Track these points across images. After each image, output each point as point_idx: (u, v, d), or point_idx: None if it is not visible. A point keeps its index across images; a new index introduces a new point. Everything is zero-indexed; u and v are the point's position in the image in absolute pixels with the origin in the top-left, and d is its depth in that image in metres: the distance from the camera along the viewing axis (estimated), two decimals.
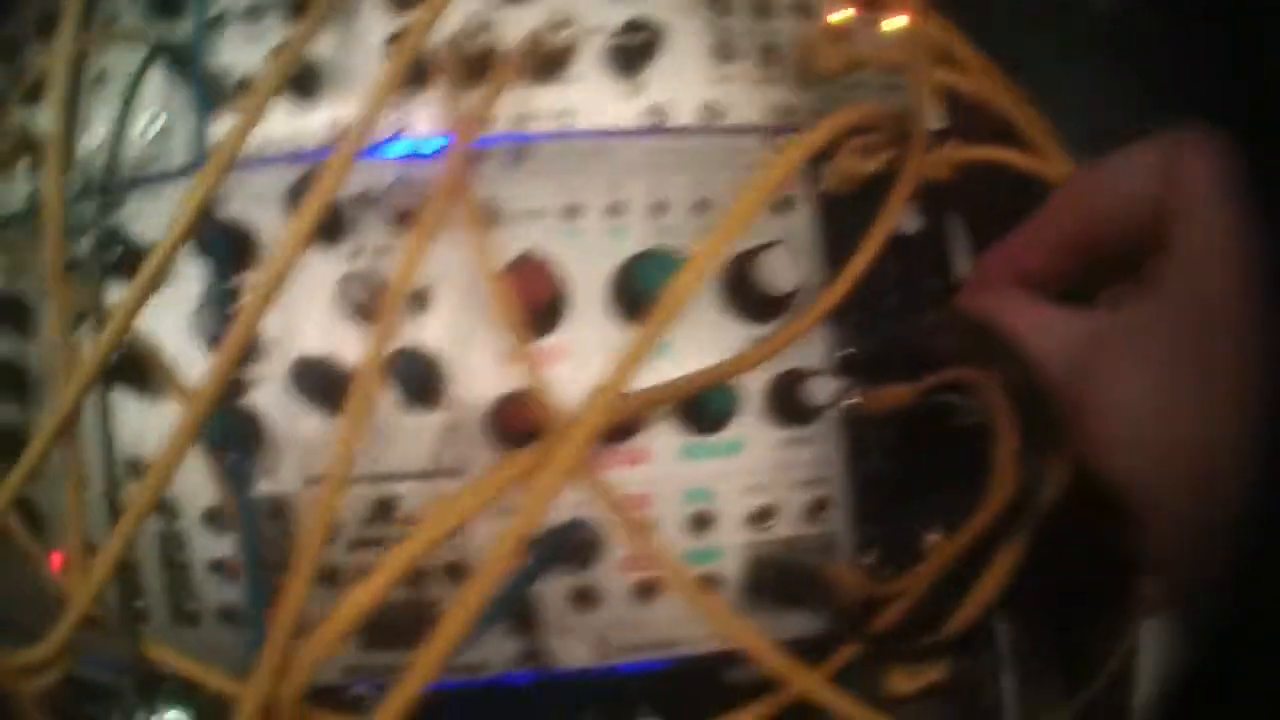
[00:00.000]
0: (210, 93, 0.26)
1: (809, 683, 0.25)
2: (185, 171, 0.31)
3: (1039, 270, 0.26)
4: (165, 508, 0.30)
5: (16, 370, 0.33)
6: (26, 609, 0.36)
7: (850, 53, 0.30)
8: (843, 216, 0.31)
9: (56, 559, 0.34)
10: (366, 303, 0.28)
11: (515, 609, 0.28)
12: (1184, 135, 0.22)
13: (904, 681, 0.29)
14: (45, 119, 0.34)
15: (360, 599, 0.21)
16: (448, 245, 0.29)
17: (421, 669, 0.21)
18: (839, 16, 0.30)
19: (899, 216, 0.30)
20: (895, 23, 0.32)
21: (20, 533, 0.30)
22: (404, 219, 0.29)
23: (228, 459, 0.27)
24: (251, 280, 0.28)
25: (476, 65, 0.28)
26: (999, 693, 0.33)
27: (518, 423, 0.27)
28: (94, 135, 0.32)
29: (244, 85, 0.31)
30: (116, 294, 0.29)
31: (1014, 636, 0.33)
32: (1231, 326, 0.19)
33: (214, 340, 0.28)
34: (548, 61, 0.28)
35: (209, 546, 0.30)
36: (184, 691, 0.32)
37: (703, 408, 0.27)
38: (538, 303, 0.27)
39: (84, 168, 0.33)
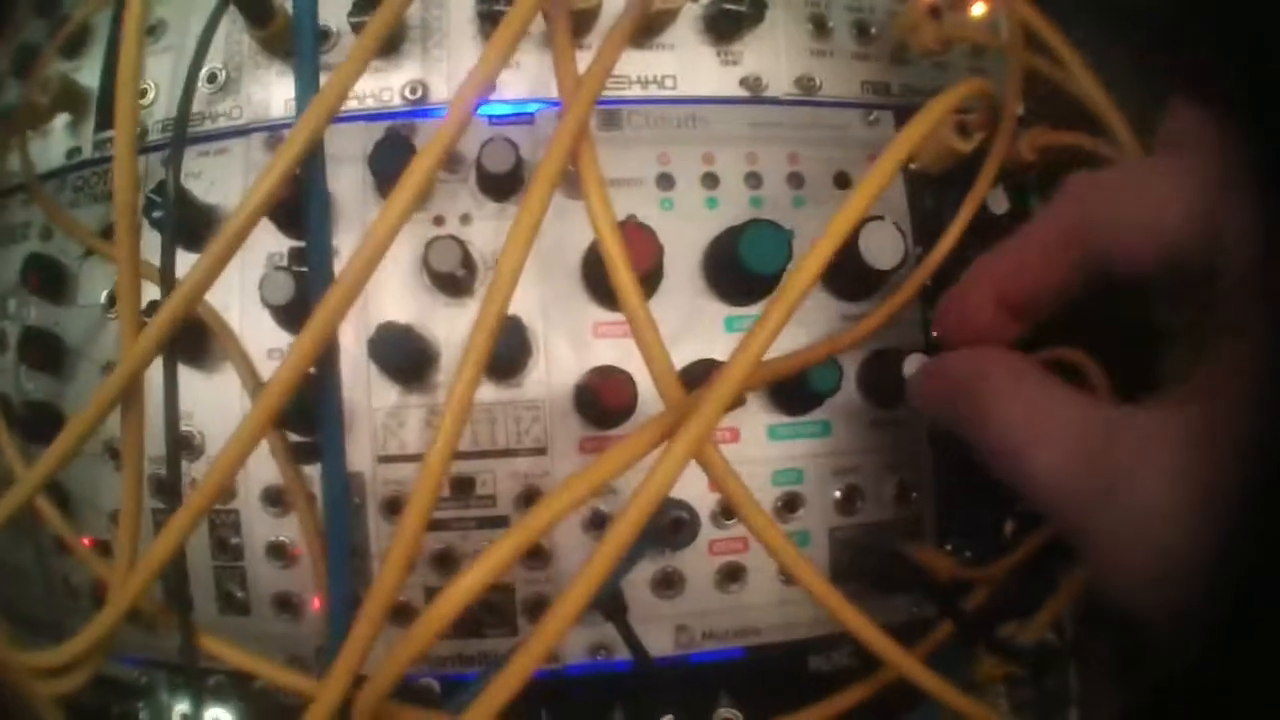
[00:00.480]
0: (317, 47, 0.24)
1: (908, 664, 0.24)
2: (251, 129, 0.30)
3: (1018, 294, 0.22)
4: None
5: (51, 339, 0.31)
6: (38, 599, 0.33)
7: (945, 32, 0.29)
8: (931, 195, 0.30)
9: (86, 544, 0.31)
10: (455, 271, 0.27)
11: (606, 596, 0.27)
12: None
13: (994, 667, 0.28)
14: (88, 72, 0.33)
15: (465, 588, 0.19)
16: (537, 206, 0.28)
17: (529, 658, 0.20)
18: None
19: (987, 196, 0.29)
20: (978, 10, 0.32)
21: (53, 516, 0.28)
22: (493, 183, 0.28)
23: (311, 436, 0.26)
24: (347, 248, 0.27)
25: (580, 25, 0.26)
26: (1066, 681, 0.32)
27: (615, 398, 0.26)
28: (151, 89, 0.30)
29: (322, 37, 0.29)
30: (171, 257, 0.27)
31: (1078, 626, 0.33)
32: None
33: (286, 309, 0.26)
34: (650, 25, 0.27)
35: (267, 529, 0.28)
36: (229, 687, 0.30)
37: (803, 387, 0.27)
38: (643, 270, 0.25)
39: (139, 123, 0.31)
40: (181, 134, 0.25)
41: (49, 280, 0.31)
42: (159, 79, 0.31)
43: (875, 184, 0.22)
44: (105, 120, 0.32)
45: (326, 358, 0.24)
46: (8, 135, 0.32)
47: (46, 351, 0.31)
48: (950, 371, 0.23)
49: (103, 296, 0.30)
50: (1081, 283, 0.21)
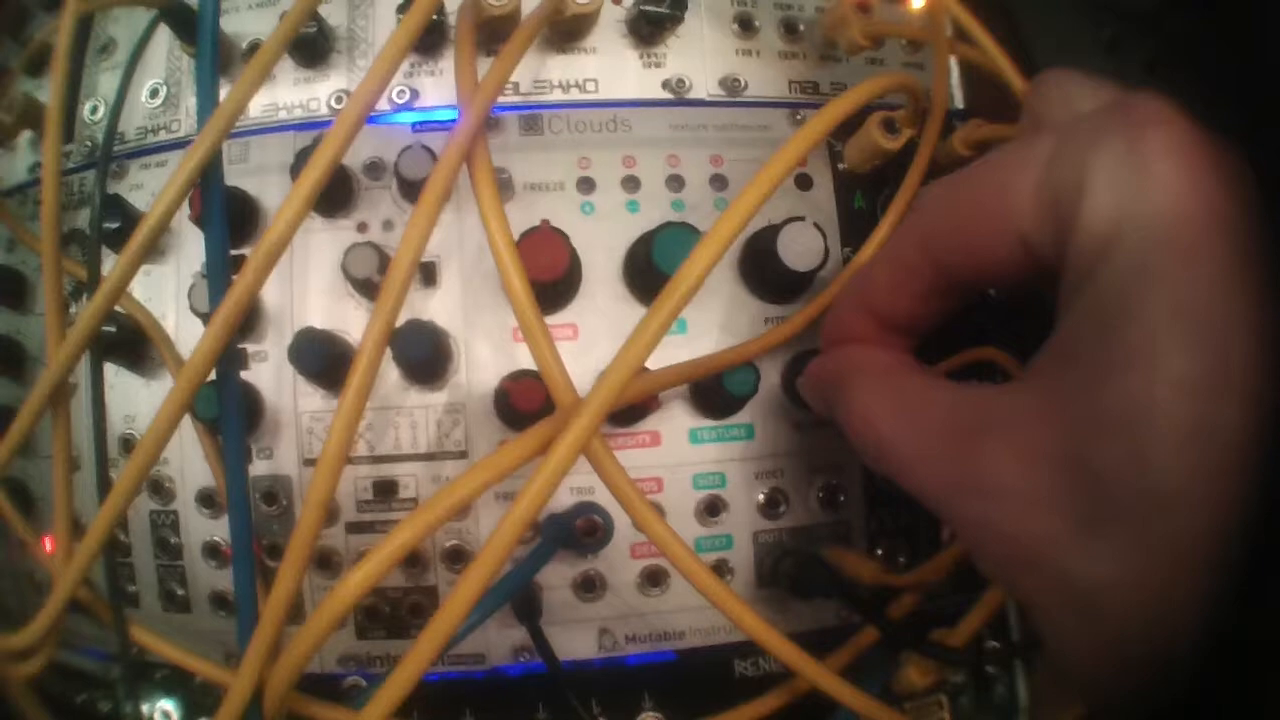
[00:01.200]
0: (219, 59, 0.25)
1: (819, 674, 0.24)
2: (189, 142, 0.30)
3: (890, 310, 0.21)
4: (159, 489, 0.29)
5: (13, 346, 0.32)
6: (10, 592, 0.35)
7: (873, 27, 0.29)
8: (858, 194, 0.30)
9: (48, 543, 0.33)
10: (371, 277, 0.27)
11: (518, 597, 0.27)
12: (1139, 101, 0.15)
13: (918, 676, 0.27)
14: (48, 91, 0.34)
15: (354, 584, 0.20)
16: (456, 217, 0.29)
17: (418, 658, 0.20)
18: None
19: (916, 194, 0.29)
20: (917, 2, 0.31)
21: (11, 512, 0.29)
22: (413, 190, 0.28)
23: (222, 436, 0.26)
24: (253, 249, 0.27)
25: (495, 29, 0.27)
26: (1012, 687, 0.31)
27: (527, 402, 0.26)
28: (100, 105, 0.32)
29: (252, 52, 0.30)
30: (96, 261, 0.28)
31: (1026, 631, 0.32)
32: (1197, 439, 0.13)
33: (211, 313, 0.27)
34: (569, 28, 0.27)
35: (203, 529, 0.29)
36: (175, 680, 0.31)
37: (721, 390, 0.26)
38: (554, 276, 0.25)
39: (88, 138, 0.32)
40: (109, 146, 0.26)
41: (10, 290, 0.32)
42: (106, 95, 0.32)
43: (778, 170, 0.21)
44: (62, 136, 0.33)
45: (227, 360, 0.24)
46: None
47: (9, 357, 0.32)
48: (822, 372, 0.23)
49: None
50: (946, 300, 0.20)
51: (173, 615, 0.30)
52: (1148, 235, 0.14)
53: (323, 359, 0.27)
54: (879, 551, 0.29)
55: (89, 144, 0.32)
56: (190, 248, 0.30)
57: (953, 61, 0.32)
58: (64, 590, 0.25)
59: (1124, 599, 0.14)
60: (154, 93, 0.31)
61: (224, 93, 0.30)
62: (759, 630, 0.23)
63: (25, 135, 0.34)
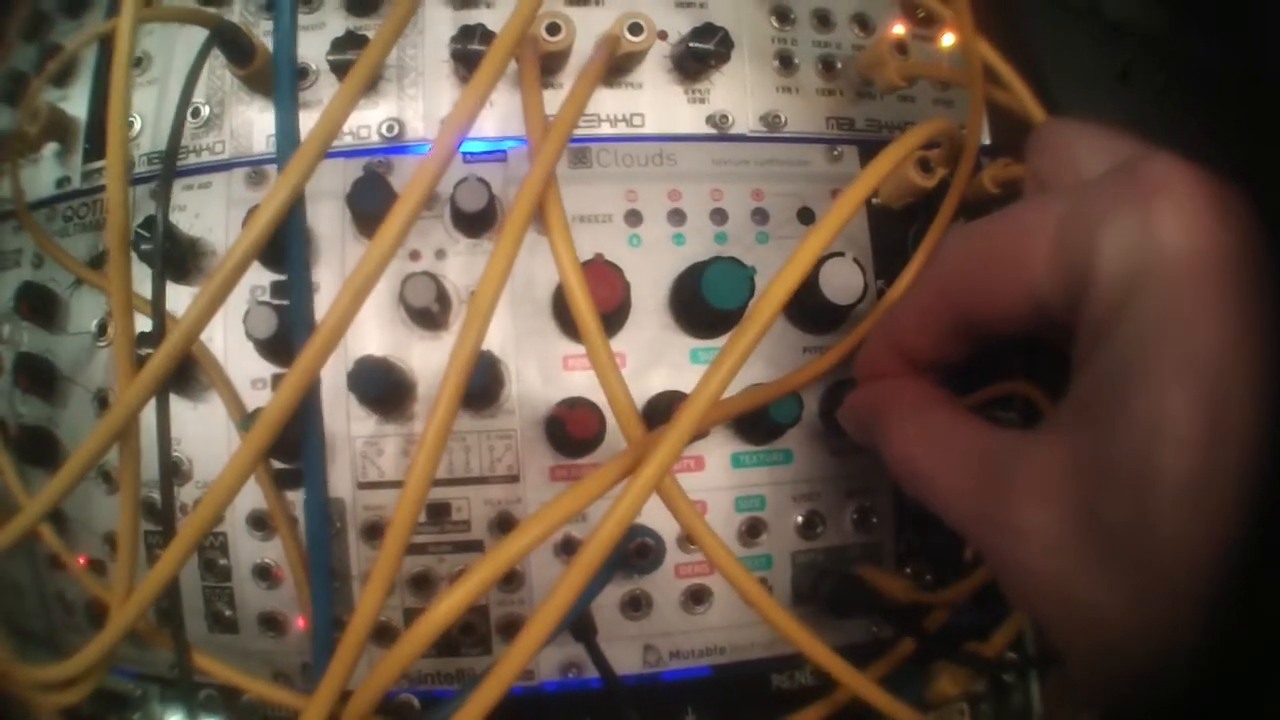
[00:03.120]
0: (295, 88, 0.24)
1: (861, 685, 0.25)
2: (234, 164, 0.30)
3: (914, 349, 0.22)
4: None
5: (44, 365, 0.32)
6: (35, 613, 0.35)
7: (909, 69, 0.30)
8: (893, 228, 0.31)
9: (81, 563, 0.33)
10: (429, 306, 0.28)
11: (575, 617, 0.28)
12: (1146, 168, 0.16)
13: (950, 686, 0.29)
14: (76, 102, 0.33)
15: (449, 607, 0.20)
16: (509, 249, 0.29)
17: (504, 674, 0.21)
18: (898, 31, 0.31)
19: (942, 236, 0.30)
20: (947, 41, 0.33)
21: (53, 539, 0.29)
22: (466, 220, 0.28)
23: (294, 464, 0.27)
24: (327, 283, 0.28)
25: (547, 64, 0.27)
26: (1028, 695, 0.33)
27: (582, 429, 0.27)
28: (137, 121, 0.31)
29: (300, 75, 0.30)
30: (161, 292, 0.28)
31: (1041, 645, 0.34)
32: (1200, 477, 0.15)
33: (269, 342, 0.28)
34: (618, 64, 0.28)
35: (253, 551, 0.30)
36: (220, 699, 0.31)
37: (766, 418, 0.28)
38: (609, 308, 0.26)
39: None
40: (170, 168, 0.25)
41: (40, 308, 0.32)
42: (144, 112, 0.32)
43: (836, 221, 0.22)
44: (94, 151, 0.32)
45: (309, 392, 0.25)
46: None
47: (39, 377, 0.32)
48: (860, 406, 0.24)
49: (93, 325, 0.31)
50: (964, 342, 0.21)
51: (218, 636, 0.30)
52: (1154, 305, 0.15)
53: (382, 386, 0.27)
54: (908, 570, 0.31)
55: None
56: None
57: None
58: (123, 622, 0.25)
59: (1128, 626, 0.16)
60: (195, 113, 0.31)
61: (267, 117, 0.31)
62: (816, 649, 0.24)
63: (50, 148, 0.34)
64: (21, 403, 0.33)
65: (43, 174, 0.33)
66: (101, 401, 0.31)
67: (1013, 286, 0.18)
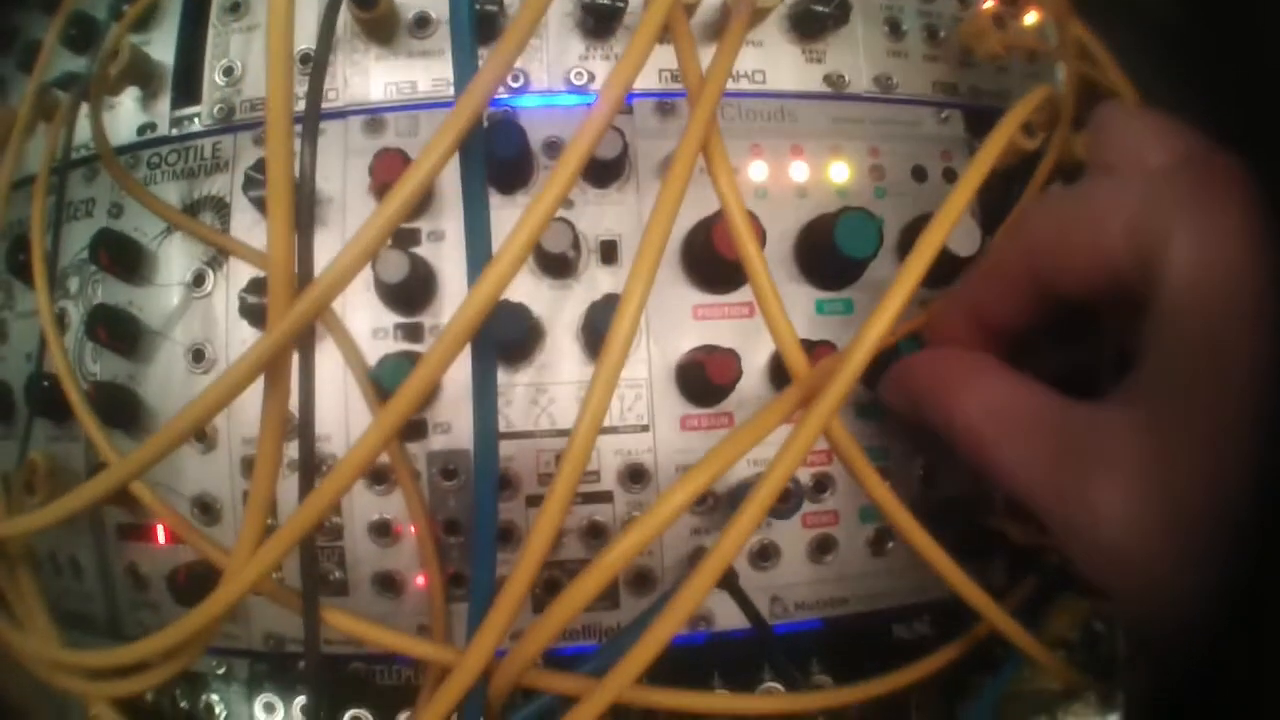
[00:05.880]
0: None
1: (1001, 619, 0.26)
2: (349, 112, 0.30)
3: (992, 313, 0.24)
4: (318, 468, 0.28)
5: (127, 319, 0.30)
6: (90, 594, 0.32)
7: (1007, 39, 0.32)
8: (996, 187, 0.32)
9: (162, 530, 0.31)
10: (566, 252, 0.27)
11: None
12: (1204, 160, 0.19)
13: (1067, 626, 0.30)
14: (159, 46, 0.32)
15: (613, 561, 0.20)
16: (635, 198, 0.29)
17: (668, 623, 0.21)
18: (996, 3, 0.32)
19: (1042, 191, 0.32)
20: (1029, 20, 0.34)
21: (153, 501, 0.27)
22: (597, 169, 0.28)
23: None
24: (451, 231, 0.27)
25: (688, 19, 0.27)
26: (1112, 641, 0.35)
27: (721, 375, 0.27)
28: (236, 67, 0.30)
29: (421, 25, 0.30)
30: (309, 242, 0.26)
31: None
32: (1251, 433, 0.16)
33: (397, 288, 0.27)
34: (751, 22, 0.29)
35: (370, 506, 0.28)
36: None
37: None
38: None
39: (220, 101, 0.30)
40: (314, 112, 0.24)
41: (121, 258, 0.30)
42: (243, 58, 0.30)
43: (978, 175, 0.23)
44: (184, 97, 0.31)
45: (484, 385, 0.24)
46: (75, 105, 0.31)
47: (121, 331, 0.30)
48: (913, 372, 0.24)
49: (188, 275, 0.30)
50: (1038, 308, 0.22)
51: (327, 600, 0.28)
52: (1222, 296, 0.17)
53: (523, 331, 0.27)
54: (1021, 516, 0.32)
55: (222, 107, 0.30)
56: (353, 216, 0.29)
57: None
58: (243, 584, 0.23)
59: (1208, 607, 0.17)
60: (304, 59, 0.30)
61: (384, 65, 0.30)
62: (958, 578, 0.24)
63: (130, 93, 0.32)
64: (94, 359, 0.31)
65: (121, 120, 0.32)
66: (196, 355, 0.29)
67: (1094, 257, 0.20)
